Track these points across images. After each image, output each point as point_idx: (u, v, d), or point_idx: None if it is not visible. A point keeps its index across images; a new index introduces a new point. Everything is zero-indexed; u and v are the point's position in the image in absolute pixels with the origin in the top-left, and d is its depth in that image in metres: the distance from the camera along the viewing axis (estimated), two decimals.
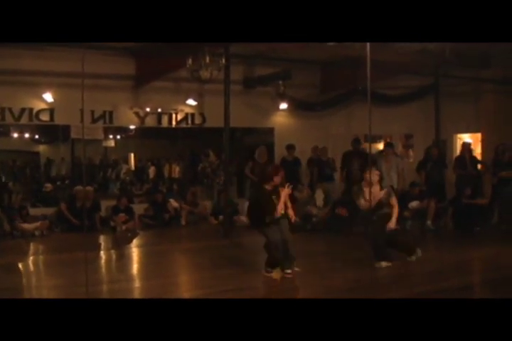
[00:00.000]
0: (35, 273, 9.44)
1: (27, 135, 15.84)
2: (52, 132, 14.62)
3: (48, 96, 13.51)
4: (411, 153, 15.89)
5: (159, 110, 14.78)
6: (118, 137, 16.23)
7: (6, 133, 15.30)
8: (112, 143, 16.40)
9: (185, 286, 8.22)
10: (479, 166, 14.07)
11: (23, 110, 13.63)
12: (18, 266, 9.53)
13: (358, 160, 13.66)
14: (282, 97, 15.31)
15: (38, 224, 12.50)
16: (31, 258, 10.60)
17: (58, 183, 15.94)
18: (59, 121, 13.94)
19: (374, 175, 8.76)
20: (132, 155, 17.58)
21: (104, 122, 14.38)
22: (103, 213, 13.59)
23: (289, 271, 8.07)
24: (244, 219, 13.31)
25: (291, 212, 8.28)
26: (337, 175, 14.50)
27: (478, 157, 14.60)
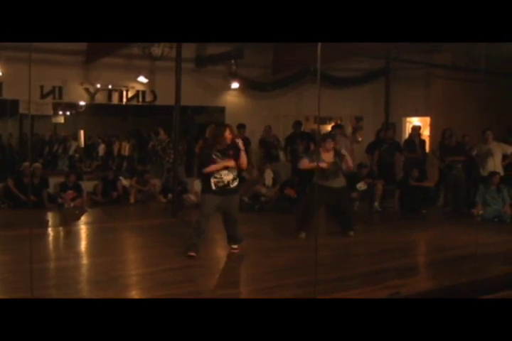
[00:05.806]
0: None
1: None
2: (0, 107, 14.36)
3: None
4: (360, 135, 15.99)
5: (110, 87, 14.64)
6: (68, 113, 16.04)
7: None
8: (61, 120, 16.20)
9: (132, 264, 8.23)
10: (427, 149, 14.30)
11: None
12: None
13: (302, 142, 13.80)
14: (234, 76, 15.29)
15: None
16: None
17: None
18: (7, 95, 13.73)
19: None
20: (82, 132, 17.39)
21: (54, 98, 14.19)
22: (51, 190, 13.45)
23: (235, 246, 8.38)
24: (192, 197, 13.30)
25: None
26: (282, 156, 14.65)
27: (427, 140, 14.84)
